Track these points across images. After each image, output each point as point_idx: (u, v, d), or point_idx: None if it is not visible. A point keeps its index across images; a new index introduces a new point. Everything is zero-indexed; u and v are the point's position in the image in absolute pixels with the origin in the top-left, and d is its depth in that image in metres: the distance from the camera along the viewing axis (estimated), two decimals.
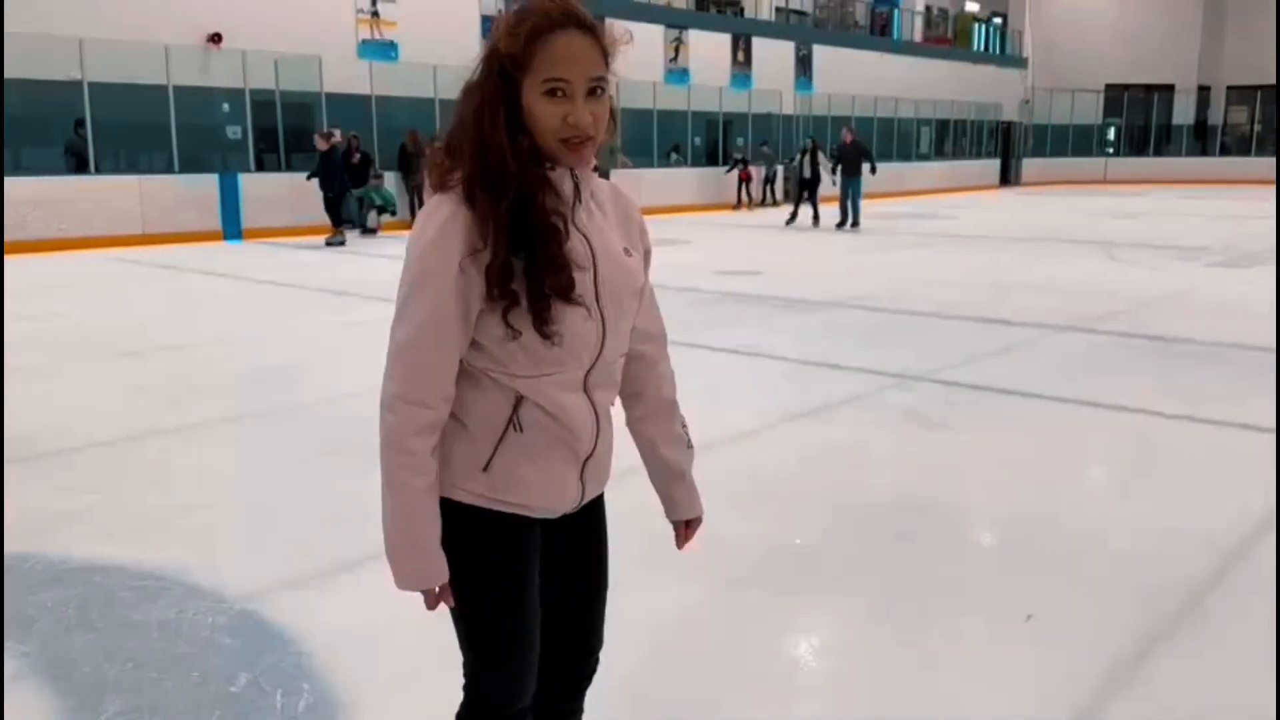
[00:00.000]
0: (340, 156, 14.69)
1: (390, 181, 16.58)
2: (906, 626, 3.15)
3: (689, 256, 13.59)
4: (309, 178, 14.52)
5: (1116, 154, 36.22)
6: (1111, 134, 37.30)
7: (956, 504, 4.25)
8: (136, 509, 4.18)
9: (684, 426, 1.91)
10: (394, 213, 16.32)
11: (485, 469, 1.61)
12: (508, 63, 1.50)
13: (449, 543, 1.62)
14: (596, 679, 1.94)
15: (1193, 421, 5.43)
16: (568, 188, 1.58)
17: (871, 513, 4.12)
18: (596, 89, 1.53)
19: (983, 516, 4.18)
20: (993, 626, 3.16)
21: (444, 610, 1.68)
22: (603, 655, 1.90)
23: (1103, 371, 6.69)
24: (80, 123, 14.29)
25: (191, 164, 15.35)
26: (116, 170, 14.83)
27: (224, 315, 9.21)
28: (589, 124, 1.52)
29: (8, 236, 13.02)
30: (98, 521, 4.01)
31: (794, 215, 18.86)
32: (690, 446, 1.91)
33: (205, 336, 8.01)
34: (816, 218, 18.31)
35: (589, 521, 1.80)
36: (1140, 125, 36.87)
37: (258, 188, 15.56)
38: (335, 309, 9.38)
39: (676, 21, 23.36)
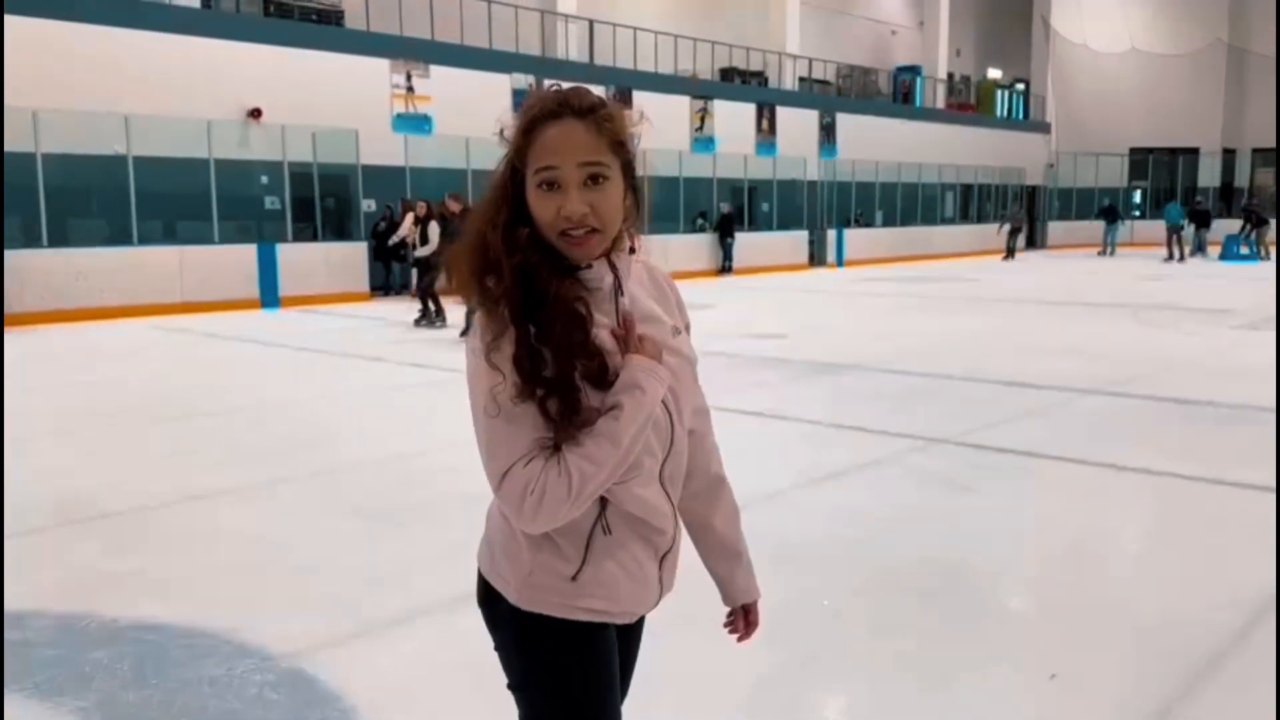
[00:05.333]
0: None
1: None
2: (932, 687, 3.22)
3: (714, 320, 13.77)
4: None
5: (1142, 217, 36.30)
6: (1137, 197, 37.44)
7: (981, 566, 4.32)
8: (184, 570, 4.33)
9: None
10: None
11: (574, 578, 1.55)
12: (515, 157, 1.49)
13: (534, 659, 1.58)
14: None
15: (1217, 484, 5.48)
16: (606, 281, 1.54)
17: (897, 574, 4.20)
18: (596, 176, 1.46)
19: (1007, 578, 4.25)
20: (1017, 686, 3.24)
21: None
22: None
23: (1128, 435, 6.75)
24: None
25: (231, 234, 15.79)
26: (158, 240, 15.26)
27: (263, 381, 9.44)
28: (582, 215, 1.45)
29: (54, 305, 13.45)
30: (147, 582, 4.16)
31: None
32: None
33: (245, 401, 8.23)
34: (439, 315, 13.30)
35: (638, 626, 1.75)
36: (1166, 188, 36.99)
37: (295, 257, 15.95)
38: (371, 374, 9.59)
39: (702, 92, 23.85)
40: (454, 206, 12.44)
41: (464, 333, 11.78)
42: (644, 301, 1.60)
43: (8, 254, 13.26)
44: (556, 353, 1.44)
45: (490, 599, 1.64)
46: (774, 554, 4.41)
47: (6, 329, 12.40)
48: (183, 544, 4.70)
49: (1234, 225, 28.41)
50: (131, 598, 3.95)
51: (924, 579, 4.14)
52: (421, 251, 13.17)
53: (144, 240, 14.94)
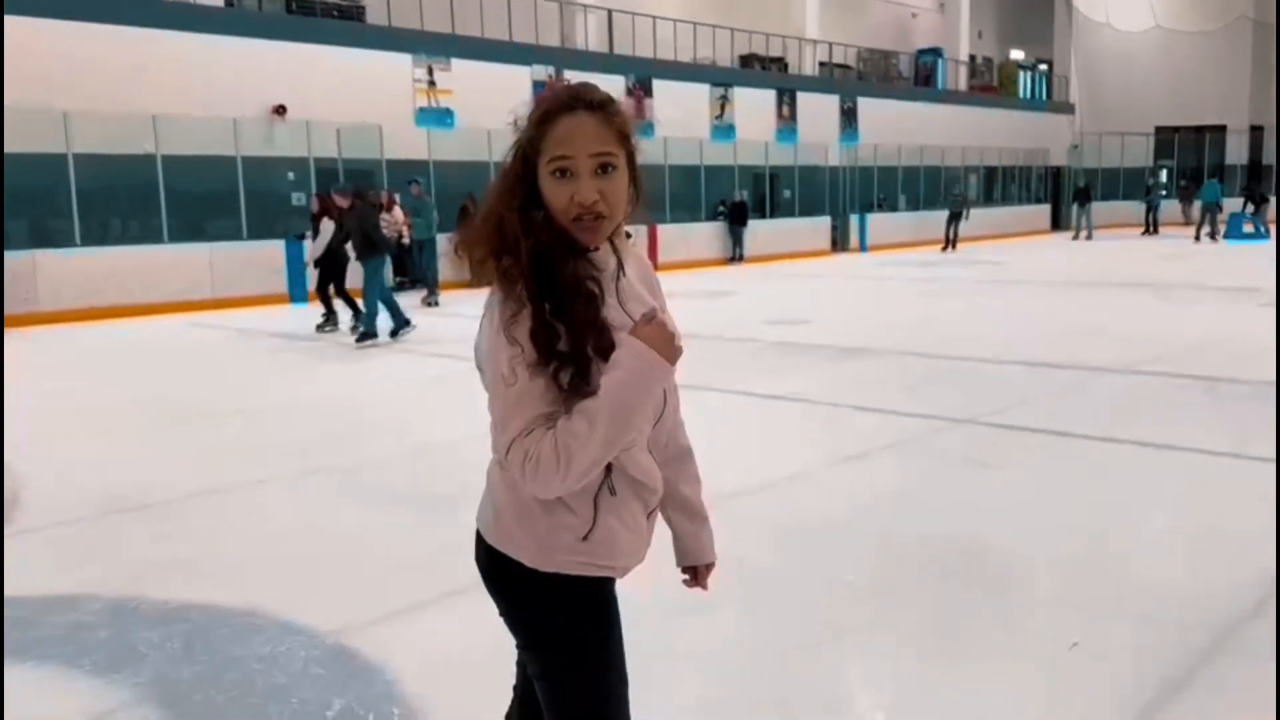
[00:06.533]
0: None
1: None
2: (954, 658, 3.31)
3: (737, 307, 13.84)
4: None
5: (1169, 196, 35.97)
6: (1164, 176, 37.07)
7: (1005, 541, 4.39)
8: (227, 556, 4.47)
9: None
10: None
11: (586, 538, 1.67)
12: (527, 148, 1.61)
13: (552, 617, 1.70)
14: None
15: (1238, 459, 5.52)
16: (611, 264, 1.67)
17: (921, 550, 4.27)
18: (606, 165, 1.58)
19: (1031, 553, 4.31)
20: (1037, 658, 3.31)
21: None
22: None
23: (1152, 412, 6.78)
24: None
25: (259, 230, 15.98)
26: (188, 238, 15.48)
27: (296, 374, 9.60)
28: (594, 200, 1.57)
29: (87, 303, 13.69)
30: (192, 567, 4.30)
31: (329, 316, 12.00)
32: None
33: (280, 395, 8.40)
34: (356, 317, 11.42)
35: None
36: (1193, 167, 36.63)
37: None
38: (400, 366, 9.73)
39: (721, 80, 23.87)
40: (341, 202, 11.36)
41: (361, 338, 10.67)
42: (635, 285, 1.74)
43: (41, 253, 13.57)
44: (571, 328, 1.55)
45: (497, 565, 1.72)
46: (797, 533, 4.51)
47: (40, 328, 12.68)
48: (225, 531, 4.84)
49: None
50: (178, 582, 4.08)
51: (946, 556, 4.21)
52: (314, 251, 11.84)
53: (174, 238, 15.16)
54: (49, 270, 13.53)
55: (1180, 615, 3.53)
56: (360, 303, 11.24)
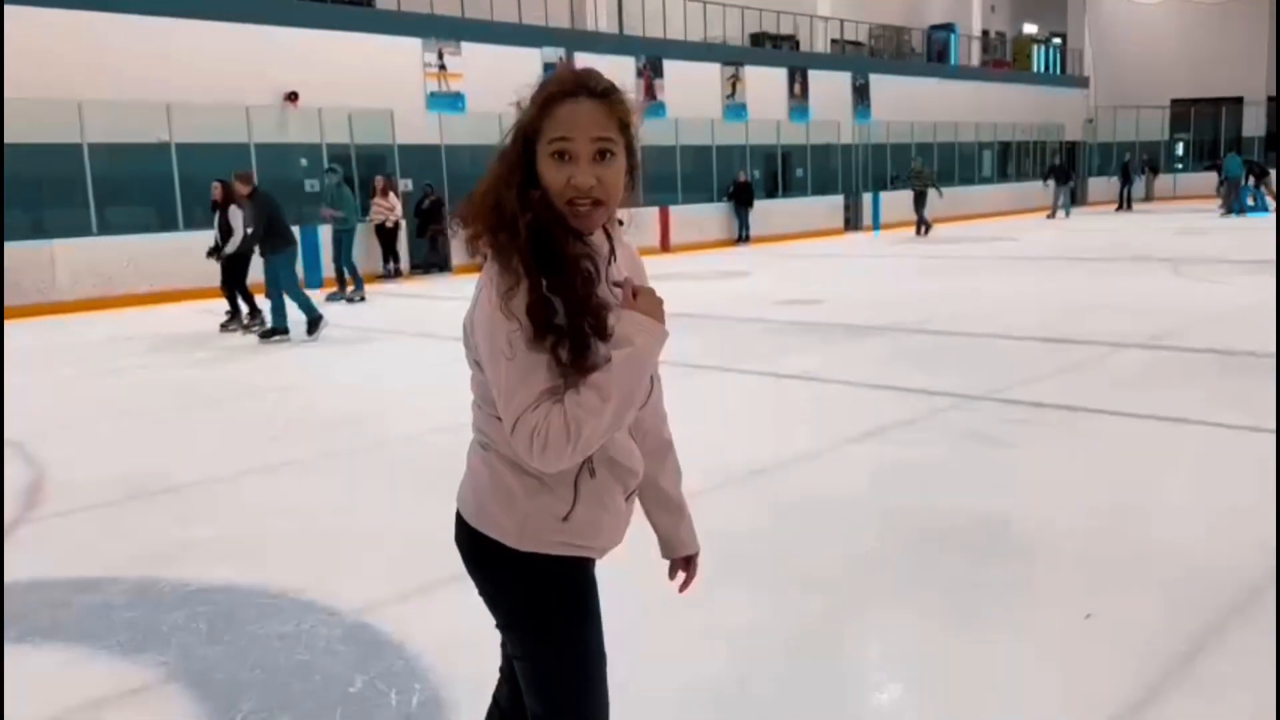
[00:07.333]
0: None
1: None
2: (968, 630, 3.34)
3: (748, 288, 13.83)
4: None
5: (1185, 169, 35.69)
6: (1180, 149, 36.76)
7: (1018, 515, 4.41)
8: (247, 538, 4.54)
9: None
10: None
11: (565, 519, 1.68)
12: (528, 129, 1.62)
13: (531, 596, 1.72)
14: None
15: (1254, 432, 5.51)
16: (604, 248, 1.69)
17: (935, 526, 4.30)
18: (605, 152, 1.59)
19: (1044, 526, 4.32)
20: (1053, 628, 3.34)
21: None
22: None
23: (1166, 386, 6.78)
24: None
25: None
26: (203, 225, 15.55)
27: (311, 359, 9.66)
28: (591, 186, 1.58)
29: (104, 292, 13.81)
30: (212, 550, 4.37)
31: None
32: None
33: (295, 380, 8.47)
34: (253, 315, 11.30)
35: None
36: (1209, 140, 36.29)
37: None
38: (414, 350, 9.79)
39: (732, 58, 23.77)
40: (243, 189, 10.60)
41: (269, 334, 10.26)
42: (623, 271, 1.75)
43: (58, 242, 13.67)
44: (568, 304, 1.55)
45: (478, 545, 1.75)
46: (812, 509, 4.54)
47: (59, 316, 12.80)
48: (246, 514, 4.91)
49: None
50: (201, 564, 4.15)
51: (961, 531, 4.23)
52: (231, 245, 10.96)
53: (189, 225, 15.23)
54: (66, 259, 13.64)
55: (1193, 587, 3.55)
56: (259, 300, 10.83)
